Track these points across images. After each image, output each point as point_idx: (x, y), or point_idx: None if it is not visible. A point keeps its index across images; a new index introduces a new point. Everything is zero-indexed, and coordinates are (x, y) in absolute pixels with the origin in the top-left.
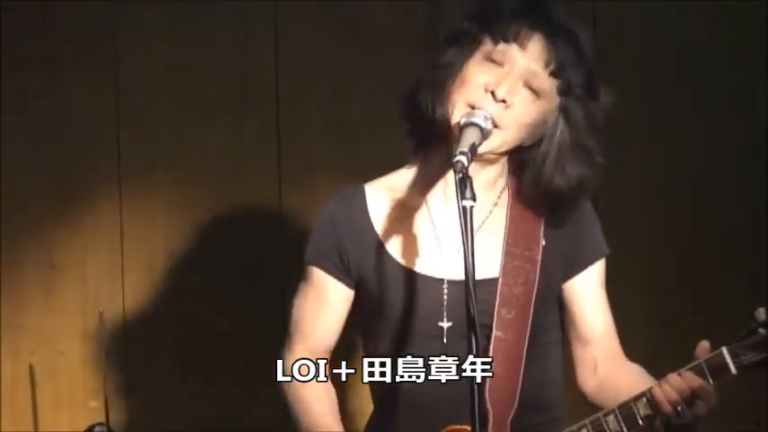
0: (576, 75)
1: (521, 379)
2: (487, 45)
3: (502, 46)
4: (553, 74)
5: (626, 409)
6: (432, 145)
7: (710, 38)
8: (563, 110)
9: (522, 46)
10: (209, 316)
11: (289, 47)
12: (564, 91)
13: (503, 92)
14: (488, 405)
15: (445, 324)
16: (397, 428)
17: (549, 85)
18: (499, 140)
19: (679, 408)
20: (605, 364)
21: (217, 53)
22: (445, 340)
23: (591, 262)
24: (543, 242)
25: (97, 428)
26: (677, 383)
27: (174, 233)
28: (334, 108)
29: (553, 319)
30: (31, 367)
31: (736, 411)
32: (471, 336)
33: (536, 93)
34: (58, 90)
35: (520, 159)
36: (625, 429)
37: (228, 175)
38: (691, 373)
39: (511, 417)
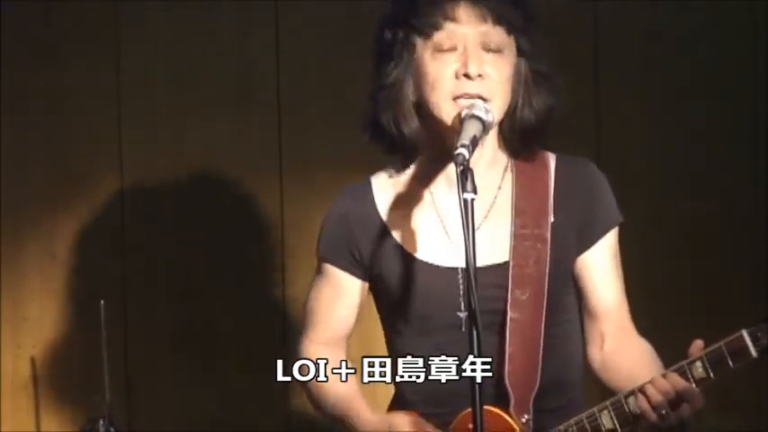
0: (512, 12)
1: (540, 360)
2: (422, 42)
3: (439, 34)
4: (496, 22)
5: (618, 405)
6: (414, 155)
7: (712, 37)
8: (519, 49)
9: (457, 20)
10: (210, 308)
11: (290, 40)
12: (510, 30)
13: (474, 69)
14: (509, 388)
15: (463, 313)
16: (422, 409)
17: (501, 35)
18: (495, 113)
19: (663, 411)
20: (612, 340)
21: (218, 47)
22: (464, 329)
23: (604, 232)
24: (552, 218)
25: (100, 422)
26: (662, 386)
27: (174, 225)
28: (336, 101)
29: (570, 297)
30: (32, 359)
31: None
32: (473, 330)
33: (497, 50)
34: (60, 83)
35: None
36: (618, 427)
37: (229, 167)
38: (675, 374)
39: (532, 398)
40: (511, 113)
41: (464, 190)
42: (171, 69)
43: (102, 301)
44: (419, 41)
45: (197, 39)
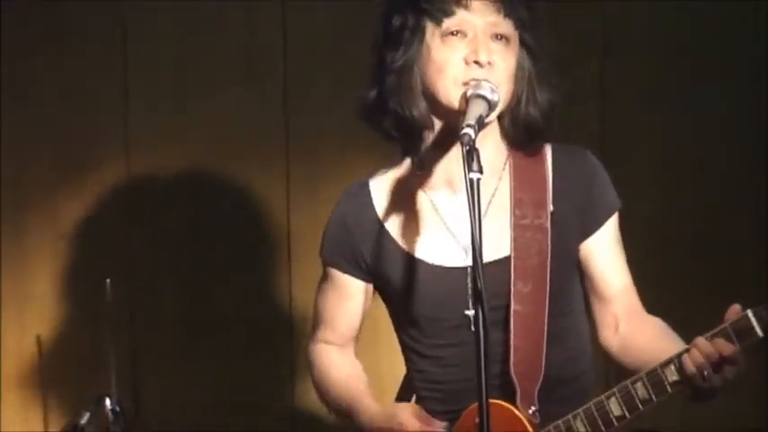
0: (522, 7)
1: (545, 351)
2: (432, 27)
3: (450, 20)
4: (507, 14)
5: (654, 376)
6: (419, 141)
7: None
8: (522, 43)
9: (468, 7)
10: (215, 287)
11: (296, 17)
12: (519, 25)
13: (485, 56)
14: (514, 380)
15: (471, 312)
16: (428, 403)
17: (508, 27)
18: (500, 102)
19: (706, 372)
20: (626, 322)
21: (223, 25)
22: (472, 328)
23: (605, 219)
24: (551, 208)
25: (105, 400)
26: (706, 349)
27: (180, 204)
28: (342, 80)
29: (574, 286)
30: (38, 338)
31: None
32: (478, 311)
33: (505, 40)
34: (66, 63)
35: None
36: (654, 396)
37: (235, 146)
38: (719, 338)
39: (537, 390)
40: (513, 108)
41: (470, 170)
42: (177, 44)
43: (107, 280)
44: (429, 26)
45: (203, 20)
